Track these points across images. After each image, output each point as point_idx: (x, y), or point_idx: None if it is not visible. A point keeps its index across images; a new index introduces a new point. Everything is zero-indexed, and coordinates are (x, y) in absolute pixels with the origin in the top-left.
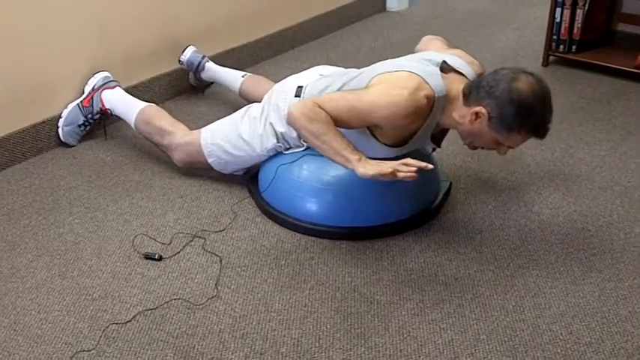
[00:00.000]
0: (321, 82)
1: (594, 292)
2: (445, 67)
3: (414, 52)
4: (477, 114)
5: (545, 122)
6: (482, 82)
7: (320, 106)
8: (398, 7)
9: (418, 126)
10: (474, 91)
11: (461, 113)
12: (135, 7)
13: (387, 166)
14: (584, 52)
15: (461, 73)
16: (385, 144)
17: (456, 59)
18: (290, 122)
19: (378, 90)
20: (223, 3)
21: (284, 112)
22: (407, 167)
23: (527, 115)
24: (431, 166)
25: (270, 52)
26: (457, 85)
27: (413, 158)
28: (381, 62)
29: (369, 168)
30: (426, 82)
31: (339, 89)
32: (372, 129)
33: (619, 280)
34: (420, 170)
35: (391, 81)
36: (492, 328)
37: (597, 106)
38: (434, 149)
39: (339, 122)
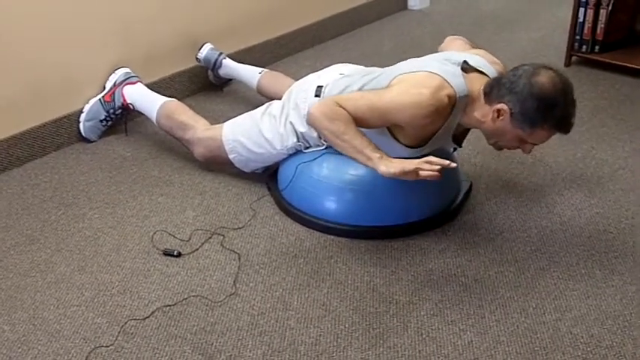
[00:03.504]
0: (342, 81)
1: (616, 295)
2: (466, 67)
3: (436, 52)
4: (498, 111)
5: (568, 115)
6: (503, 79)
7: (340, 105)
8: (420, 5)
9: (439, 126)
10: (494, 89)
11: (483, 112)
12: (156, 4)
13: (409, 165)
14: (607, 53)
15: (483, 73)
16: (405, 145)
17: (478, 59)
18: (310, 122)
19: (398, 89)
20: (243, 0)
21: (304, 112)
22: (430, 165)
23: (549, 109)
24: (454, 165)
25: (290, 50)
26: (478, 85)
27: (435, 157)
28: (401, 62)
29: (391, 166)
30: (447, 82)
31: (359, 89)
32: (392, 129)
33: None
34: (443, 169)
35: (412, 81)
36: (512, 330)
37: (620, 107)
38: (455, 149)
39: (359, 121)
